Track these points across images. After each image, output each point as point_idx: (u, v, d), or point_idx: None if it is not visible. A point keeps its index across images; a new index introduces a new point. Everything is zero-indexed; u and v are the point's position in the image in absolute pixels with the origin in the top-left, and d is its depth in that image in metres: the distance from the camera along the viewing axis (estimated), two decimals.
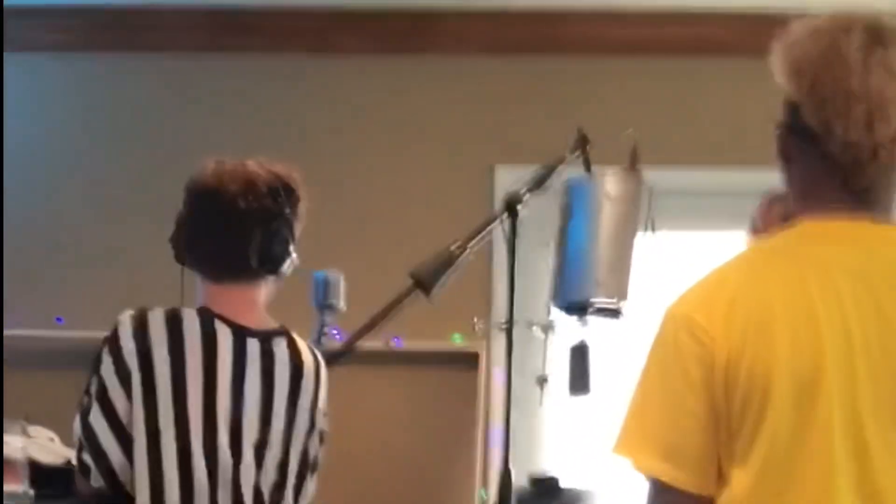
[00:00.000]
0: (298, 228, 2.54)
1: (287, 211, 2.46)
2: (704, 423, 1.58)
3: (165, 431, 2.28)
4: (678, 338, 1.61)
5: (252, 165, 2.45)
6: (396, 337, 4.11)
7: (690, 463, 1.58)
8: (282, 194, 2.44)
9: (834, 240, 1.62)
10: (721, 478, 1.60)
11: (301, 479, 2.45)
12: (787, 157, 1.68)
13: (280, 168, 2.51)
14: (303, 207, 2.55)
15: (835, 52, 1.59)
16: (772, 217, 2.82)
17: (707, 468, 1.59)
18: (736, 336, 1.56)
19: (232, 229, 2.40)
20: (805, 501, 1.53)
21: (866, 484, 1.53)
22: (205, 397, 2.31)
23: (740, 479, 1.57)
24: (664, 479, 1.59)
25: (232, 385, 2.34)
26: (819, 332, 1.55)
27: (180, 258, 2.47)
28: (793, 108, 1.64)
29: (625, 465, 1.65)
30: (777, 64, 1.64)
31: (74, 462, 2.35)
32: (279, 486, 2.40)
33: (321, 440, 2.53)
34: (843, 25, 1.61)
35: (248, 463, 2.34)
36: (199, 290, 2.47)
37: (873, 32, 1.60)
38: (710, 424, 1.58)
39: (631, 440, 1.64)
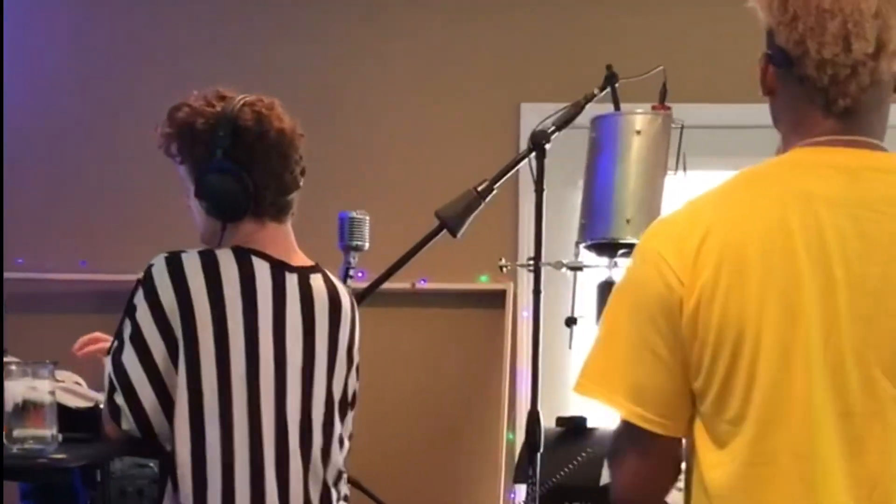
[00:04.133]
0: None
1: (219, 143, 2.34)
2: (671, 366, 1.53)
3: (207, 375, 2.26)
4: (646, 276, 1.55)
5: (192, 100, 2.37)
6: (423, 278, 4.09)
7: (656, 404, 1.54)
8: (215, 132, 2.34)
9: (817, 168, 1.55)
10: (695, 425, 1.56)
11: (343, 415, 2.44)
12: (770, 90, 1.61)
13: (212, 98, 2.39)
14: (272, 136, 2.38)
15: None
16: None
17: (675, 411, 1.55)
18: (707, 276, 1.50)
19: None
20: (785, 450, 1.49)
21: (849, 429, 1.48)
22: (246, 338, 2.29)
23: (717, 428, 1.53)
24: (631, 419, 1.55)
25: (273, 322, 2.32)
26: (796, 269, 1.48)
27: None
28: (768, 34, 1.58)
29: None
30: None
31: (103, 405, 2.34)
32: (328, 421, 2.38)
33: (357, 376, 2.52)
34: None
35: (293, 400, 2.32)
36: (229, 232, 2.41)
37: None
38: (678, 367, 1.53)
39: (595, 379, 1.59)
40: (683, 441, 1.60)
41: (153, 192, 4.11)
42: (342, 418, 2.44)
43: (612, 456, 1.62)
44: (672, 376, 1.54)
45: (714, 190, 1.60)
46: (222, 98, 2.38)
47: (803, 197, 1.52)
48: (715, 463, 1.53)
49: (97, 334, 2.56)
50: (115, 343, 2.32)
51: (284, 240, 2.42)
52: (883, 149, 1.58)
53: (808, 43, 1.52)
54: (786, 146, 1.61)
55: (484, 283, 4.16)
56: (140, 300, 2.29)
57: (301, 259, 2.43)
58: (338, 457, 2.41)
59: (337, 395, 2.41)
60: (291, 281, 2.37)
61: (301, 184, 2.42)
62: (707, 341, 1.50)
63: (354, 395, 2.50)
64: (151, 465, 2.52)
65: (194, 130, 2.36)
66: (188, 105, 2.38)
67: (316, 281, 2.42)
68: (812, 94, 1.55)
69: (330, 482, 2.39)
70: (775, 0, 1.55)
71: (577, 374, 1.61)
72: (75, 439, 2.31)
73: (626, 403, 1.55)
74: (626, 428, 1.57)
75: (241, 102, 2.37)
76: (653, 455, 1.57)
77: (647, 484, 1.59)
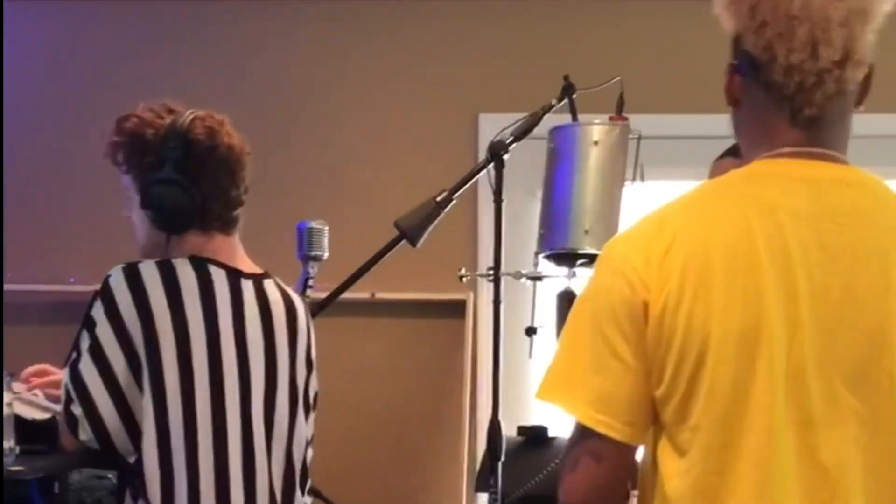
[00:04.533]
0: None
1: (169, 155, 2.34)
2: (634, 372, 1.53)
3: (170, 384, 2.25)
4: (612, 281, 1.55)
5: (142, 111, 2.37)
6: (382, 289, 4.09)
7: (618, 410, 1.54)
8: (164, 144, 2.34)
9: (781, 180, 1.56)
10: (657, 434, 1.56)
11: (307, 415, 2.46)
12: (735, 101, 1.62)
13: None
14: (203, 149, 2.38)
15: None
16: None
17: (636, 417, 1.55)
18: (672, 284, 1.51)
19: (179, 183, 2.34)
20: (747, 458, 1.49)
21: (808, 438, 1.49)
22: (208, 345, 2.29)
23: (679, 436, 1.53)
24: (590, 425, 1.55)
25: (234, 327, 2.33)
26: (760, 280, 1.50)
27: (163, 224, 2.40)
28: (735, 40, 1.60)
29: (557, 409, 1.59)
30: None
31: (59, 416, 2.33)
32: (291, 423, 2.39)
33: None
34: None
35: (257, 405, 2.33)
36: (174, 244, 2.40)
37: None
38: (641, 374, 1.53)
39: (558, 385, 1.59)
40: (638, 454, 1.61)
41: (105, 201, 4.09)
42: (306, 419, 2.45)
43: (566, 464, 1.60)
44: (637, 382, 1.54)
45: (680, 199, 1.61)
46: (171, 111, 2.38)
47: (767, 208, 1.53)
48: (676, 472, 1.53)
49: (45, 366, 2.55)
50: (73, 354, 2.31)
51: (232, 250, 2.42)
52: (845, 162, 1.59)
53: (775, 48, 1.54)
54: (748, 157, 1.61)
55: (444, 293, 4.16)
56: (99, 312, 2.28)
57: (251, 267, 2.44)
58: (303, 458, 2.42)
59: (300, 397, 2.42)
60: (247, 287, 2.38)
61: (245, 201, 2.42)
62: (671, 349, 1.51)
63: (316, 396, 2.52)
64: (110, 476, 2.50)
65: (144, 140, 2.35)
66: (137, 116, 2.38)
67: (270, 287, 2.44)
68: (778, 102, 1.56)
69: (296, 483, 2.39)
70: (744, 6, 1.56)
71: (540, 380, 1.61)
72: (33, 451, 2.29)
73: (588, 410, 1.55)
74: (583, 435, 1.57)
75: (192, 116, 2.37)
76: (610, 461, 1.57)
77: (601, 492, 1.58)
